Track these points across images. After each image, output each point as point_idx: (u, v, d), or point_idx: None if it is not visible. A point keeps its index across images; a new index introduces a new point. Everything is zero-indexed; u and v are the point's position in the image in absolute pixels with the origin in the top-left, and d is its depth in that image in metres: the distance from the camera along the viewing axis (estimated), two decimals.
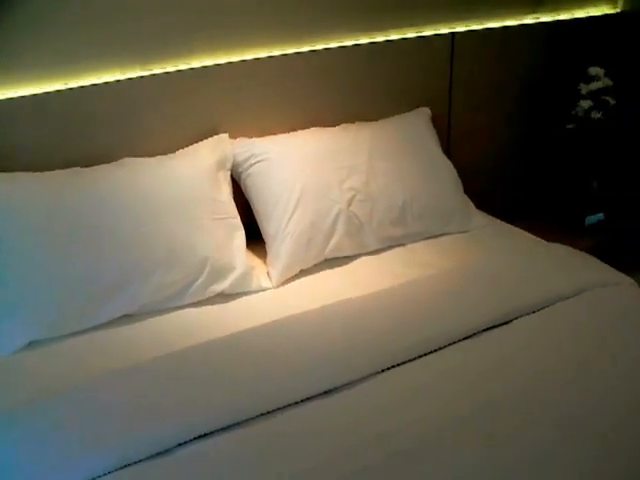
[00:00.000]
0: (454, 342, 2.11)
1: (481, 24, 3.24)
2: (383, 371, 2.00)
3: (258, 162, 2.63)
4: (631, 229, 3.58)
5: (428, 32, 3.10)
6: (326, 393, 1.92)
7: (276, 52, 2.78)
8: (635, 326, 2.23)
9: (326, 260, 2.61)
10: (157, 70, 2.60)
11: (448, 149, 3.20)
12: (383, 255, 2.66)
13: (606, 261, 2.77)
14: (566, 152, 3.48)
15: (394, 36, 3.03)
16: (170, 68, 2.63)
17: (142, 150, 2.57)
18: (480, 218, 2.92)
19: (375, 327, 2.13)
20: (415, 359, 2.05)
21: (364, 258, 2.64)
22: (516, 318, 2.23)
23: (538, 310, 2.28)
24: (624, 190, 3.70)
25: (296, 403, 1.88)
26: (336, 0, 2.85)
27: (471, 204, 2.96)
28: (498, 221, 2.97)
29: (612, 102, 3.34)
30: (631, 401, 1.88)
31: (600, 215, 3.56)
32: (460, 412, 1.84)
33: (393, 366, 2.02)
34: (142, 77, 2.57)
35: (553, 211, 3.60)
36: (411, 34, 3.06)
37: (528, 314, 2.25)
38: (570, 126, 3.36)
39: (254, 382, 1.92)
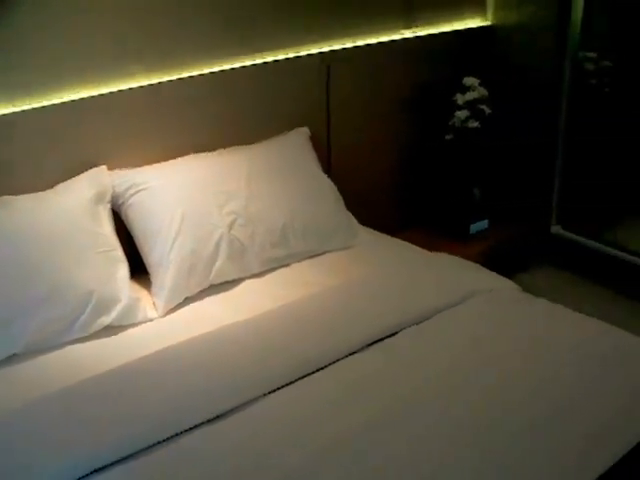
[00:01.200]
0: (339, 359, 2.22)
1: (355, 41, 3.38)
2: (270, 393, 2.09)
3: (137, 192, 2.69)
4: (514, 235, 3.82)
5: (303, 52, 3.22)
6: (215, 418, 2.00)
7: (149, 81, 2.84)
8: (518, 329, 2.39)
9: (211, 286, 2.68)
10: (25, 106, 2.62)
11: (329, 167, 3.32)
12: (267, 277, 2.75)
13: (491, 267, 2.96)
14: (448, 162, 3.68)
15: (268, 58, 3.13)
16: (39, 104, 2.64)
17: (19, 187, 2.58)
18: (364, 233, 3.04)
19: (259, 350, 2.23)
20: (302, 377, 2.15)
21: (249, 281, 2.73)
22: (402, 329, 2.36)
23: (424, 320, 2.42)
24: (506, 197, 3.94)
25: (184, 431, 1.95)
26: (206, 26, 2.93)
27: (354, 220, 3.08)
28: (382, 235, 3.10)
29: (488, 111, 3.56)
30: (511, 403, 2.03)
31: (484, 222, 3.78)
32: (350, 426, 1.94)
33: (282, 386, 2.11)
34: (13, 113, 2.58)
35: (439, 221, 3.80)
36: (285, 55, 3.17)
37: (414, 325, 2.39)
38: (449, 137, 3.56)
39: (140, 414, 1.99)
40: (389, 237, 3.10)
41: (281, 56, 3.16)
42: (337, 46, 3.32)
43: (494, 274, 2.78)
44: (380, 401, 2.05)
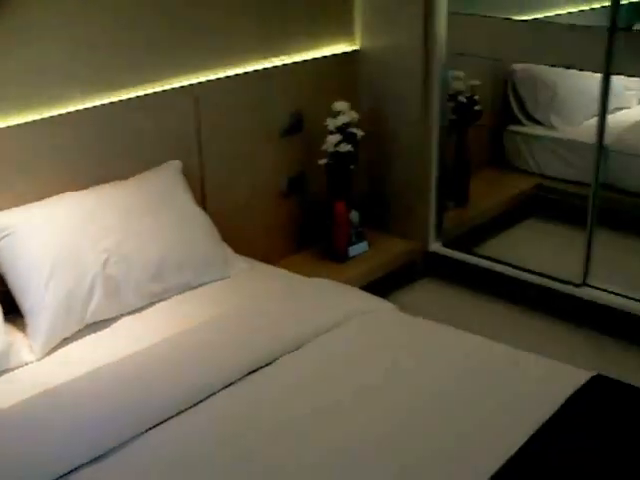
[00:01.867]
0: (216, 392, 2.28)
1: (224, 72, 3.44)
2: (151, 429, 2.14)
3: (6, 236, 2.66)
4: (394, 254, 3.97)
5: (171, 85, 3.26)
6: (98, 458, 2.03)
7: (16, 121, 2.83)
8: (394, 349, 2.50)
9: (89, 325, 2.69)
10: None
11: (204, 198, 3.37)
12: (146, 312, 2.78)
13: (372, 288, 3.08)
14: (326, 187, 3.80)
15: (139, 93, 3.16)
16: None
17: None
18: (241, 263, 3.10)
19: (139, 386, 2.27)
20: (182, 412, 2.20)
21: (127, 318, 2.75)
22: (279, 357, 2.44)
23: (300, 347, 2.50)
24: (384, 217, 4.09)
25: (65, 474, 1.98)
26: (75, 63, 2.94)
27: (229, 250, 3.13)
28: (259, 264, 3.16)
29: (360, 134, 3.69)
30: (392, 423, 2.14)
31: (364, 244, 3.90)
32: (233, 455, 2.02)
33: (159, 423, 2.16)
34: None
35: (320, 245, 3.91)
36: (153, 89, 3.20)
37: (291, 352, 2.47)
38: (322, 161, 3.68)
39: (21, 457, 2.02)
40: (266, 265, 3.18)
41: (150, 90, 3.19)
42: (206, 78, 3.38)
43: (371, 296, 2.90)
44: (255, 433, 2.12)
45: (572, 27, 3.63)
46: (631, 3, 3.76)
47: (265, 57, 3.61)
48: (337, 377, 2.37)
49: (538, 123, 4.78)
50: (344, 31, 3.97)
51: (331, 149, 3.62)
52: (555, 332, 3.74)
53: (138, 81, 3.17)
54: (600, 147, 3.62)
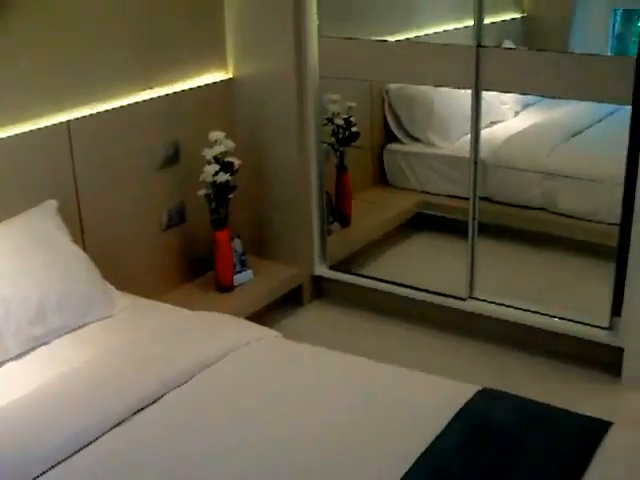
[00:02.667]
0: (104, 433, 2.28)
1: (98, 106, 3.45)
2: (36, 478, 2.12)
3: None
4: (281, 280, 4.05)
5: (46, 122, 3.25)
6: None
7: None
8: (278, 377, 2.56)
9: None
10: None
11: (83, 236, 3.38)
12: (27, 358, 2.75)
13: (259, 316, 3.13)
14: (207, 216, 3.84)
15: (10, 132, 3.13)
16: None
17: None
18: (124, 300, 3.10)
19: (18, 437, 2.25)
20: (67, 458, 2.19)
21: (8, 365, 2.71)
22: (164, 395, 2.45)
23: (185, 382, 2.52)
24: (269, 244, 4.17)
25: None
26: None
27: (111, 288, 3.13)
28: (143, 300, 3.17)
29: (237, 162, 3.76)
30: (281, 455, 2.18)
31: (249, 273, 3.97)
32: None
33: (42, 473, 2.15)
34: None
35: (207, 275, 3.97)
36: (26, 127, 3.19)
37: (177, 387, 2.50)
38: (201, 192, 3.73)
39: None
40: (150, 301, 3.19)
41: (20, 129, 3.18)
42: (80, 113, 3.39)
43: (255, 325, 2.96)
44: (143, 473, 2.15)
45: (441, 46, 3.77)
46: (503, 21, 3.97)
47: (141, 89, 3.64)
48: (223, 411, 2.40)
49: (416, 140, 4.92)
50: (217, 60, 4.04)
51: (209, 179, 3.68)
52: (446, 347, 3.87)
53: (8, 120, 3.15)
54: (475, 161, 3.78)
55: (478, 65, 3.58)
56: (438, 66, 3.73)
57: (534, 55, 3.56)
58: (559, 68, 3.44)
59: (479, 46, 3.56)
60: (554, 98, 4.15)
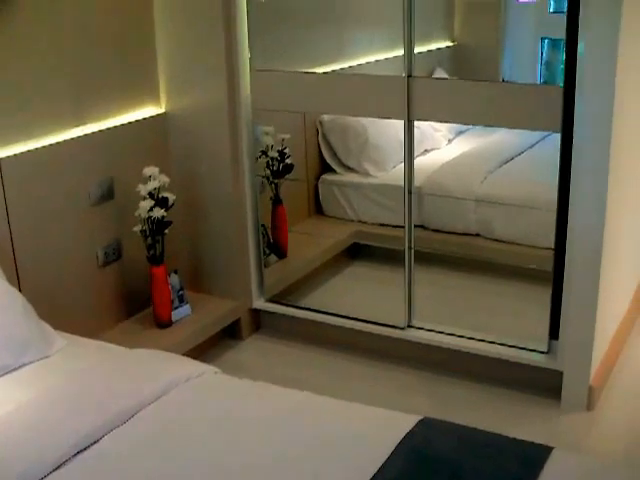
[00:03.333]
0: (45, 476, 2.26)
1: (30, 143, 3.45)
2: None
3: None
4: (220, 314, 4.07)
5: None
6: None
7: None
8: (221, 413, 2.58)
9: None
10: None
11: (17, 276, 3.38)
12: None
13: (196, 351, 3.13)
14: (146, 252, 3.86)
15: None
16: None
17: None
18: (61, 340, 3.08)
19: None
20: None
21: None
22: (103, 436, 2.45)
23: (127, 420, 2.53)
24: (206, 278, 4.19)
25: None
26: None
27: (48, 328, 3.11)
28: (81, 339, 3.14)
29: (172, 198, 3.79)
30: None
31: (187, 307, 3.99)
32: None
33: None
34: None
35: (144, 312, 3.98)
36: None
37: (116, 427, 2.49)
38: (137, 228, 3.75)
39: None
40: (88, 340, 3.18)
41: None
42: (11, 151, 3.38)
43: (194, 362, 2.97)
44: None
45: (372, 77, 3.86)
46: (434, 50, 4.06)
47: (74, 125, 3.66)
48: (164, 450, 2.41)
49: (351, 170, 4.98)
50: (150, 95, 4.07)
51: (144, 215, 3.70)
52: (386, 377, 3.92)
53: None
54: (409, 192, 3.86)
55: (409, 96, 3.66)
56: (370, 97, 3.81)
57: (464, 85, 3.65)
58: (489, 97, 3.54)
59: (409, 76, 3.64)
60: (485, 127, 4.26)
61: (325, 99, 3.96)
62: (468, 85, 3.63)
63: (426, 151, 4.91)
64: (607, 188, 3.28)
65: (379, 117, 3.98)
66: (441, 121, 4.21)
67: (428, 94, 3.65)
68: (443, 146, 5.10)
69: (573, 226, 3.41)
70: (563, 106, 3.33)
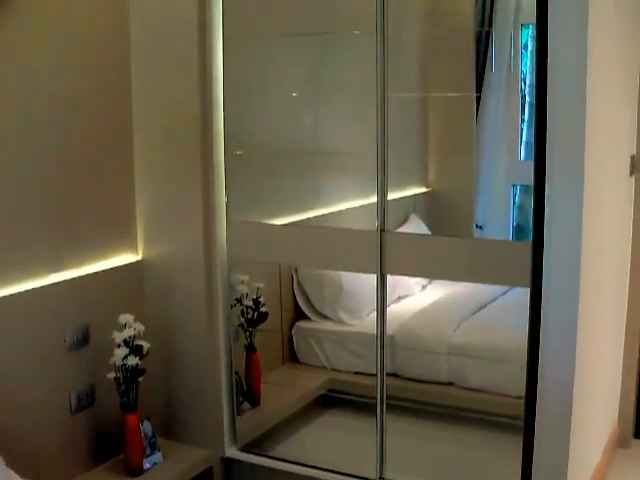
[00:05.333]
0: None
1: (1, 291, 3.52)
2: None
3: None
4: (191, 463, 4.13)
5: None
6: None
7: None
8: None
9: None
10: None
11: None
12: None
13: None
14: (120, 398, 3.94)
15: None
16: None
17: None
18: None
19: None
20: None
21: None
22: None
23: None
24: (178, 425, 4.27)
25: None
26: None
27: (15, 477, 3.06)
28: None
29: (147, 346, 3.90)
30: None
31: (158, 455, 4.05)
32: None
33: None
34: None
35: (115, 459, 4.03)
36: None
37: None
38: (111, 375, 3.83)
39: None
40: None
41: None
42: None
43: None
44: None
45: (345, 231, 4.05)
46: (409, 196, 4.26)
47: (50, 271, 3.76)
48: None
49: (326, 318, 5.12)
50: (127, 242, 4.21)
51: (119, 362, 3.78)
52: None
53: None
54: (382, 340, 3.97)
55: (382, 250, 3.82)
56: (342, 251, 3.97)
57: (436, 240, 3.84)
58: (460, 253, 3.69)
59: (382, 231, 3.83)
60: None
61: (298, 252, 4.12)
62: (440, 241, 3.81)
63: (400, 298, 5.06)
64: (576, 345, 3.37)
65: (352, 271, 4.13)
66: (413, 276, 4.38)
67: (400, 249, 3.81)
68: (417, 292, 5.26)
69: (543, 380, 3.46)
70: (532, 261, 3.41)
